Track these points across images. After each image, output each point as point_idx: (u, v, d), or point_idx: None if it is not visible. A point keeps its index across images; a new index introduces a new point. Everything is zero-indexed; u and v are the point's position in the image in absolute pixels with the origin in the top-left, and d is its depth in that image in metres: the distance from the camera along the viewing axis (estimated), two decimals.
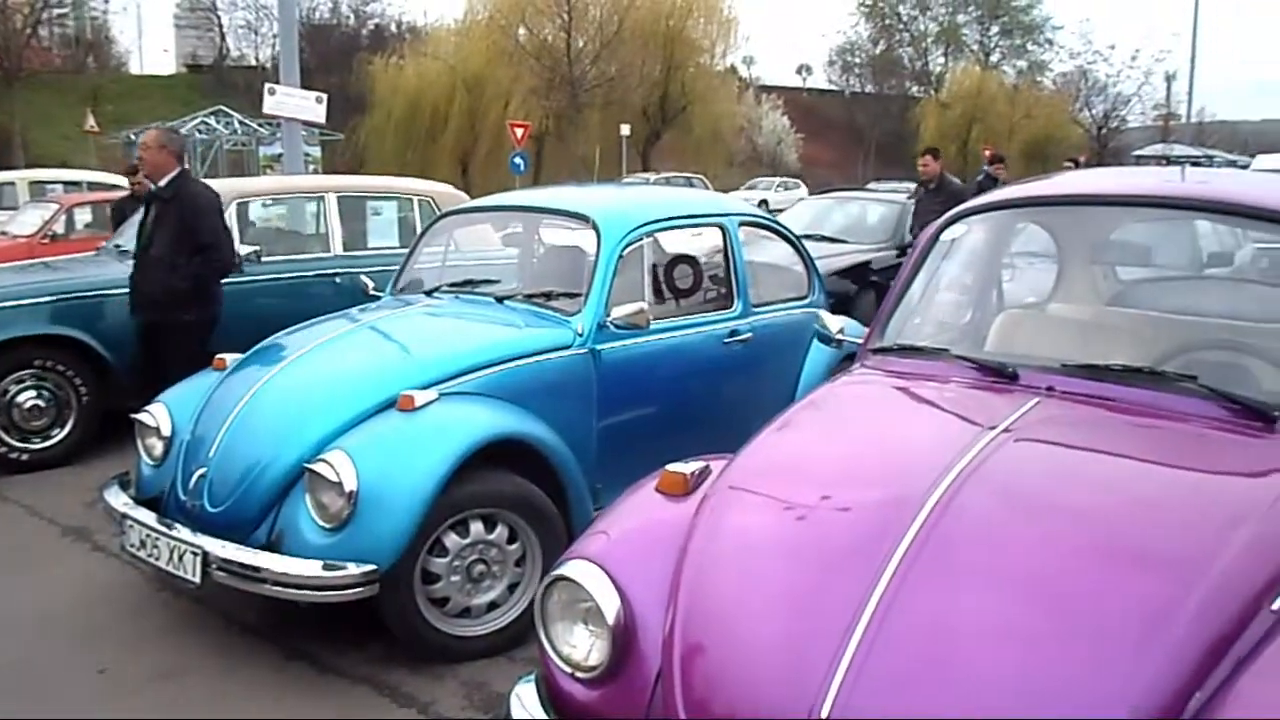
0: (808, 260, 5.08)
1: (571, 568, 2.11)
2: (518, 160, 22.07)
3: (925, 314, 3.00)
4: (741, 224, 4.72)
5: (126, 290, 5.19)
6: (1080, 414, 2.29)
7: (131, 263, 5.20)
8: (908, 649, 1.65)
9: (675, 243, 4.58)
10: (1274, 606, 1.70)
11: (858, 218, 10.36)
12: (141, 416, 3.86)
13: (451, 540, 3.31)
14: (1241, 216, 2.73)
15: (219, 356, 4.06)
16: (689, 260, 5.00)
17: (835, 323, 3.18)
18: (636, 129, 36.21)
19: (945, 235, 3.06)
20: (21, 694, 3.23)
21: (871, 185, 22.94)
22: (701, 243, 4.69)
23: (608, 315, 3.89)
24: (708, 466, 2.37)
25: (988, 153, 14.40)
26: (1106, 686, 1.55)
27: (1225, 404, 2.27)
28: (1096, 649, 1.61)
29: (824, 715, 1.61)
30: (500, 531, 3.40)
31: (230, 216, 6.16)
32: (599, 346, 3.88)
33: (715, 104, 42.91)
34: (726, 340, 4.44)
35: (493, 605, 3.40)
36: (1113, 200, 3.03)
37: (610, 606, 2.03)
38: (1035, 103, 52.62)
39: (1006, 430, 2.16)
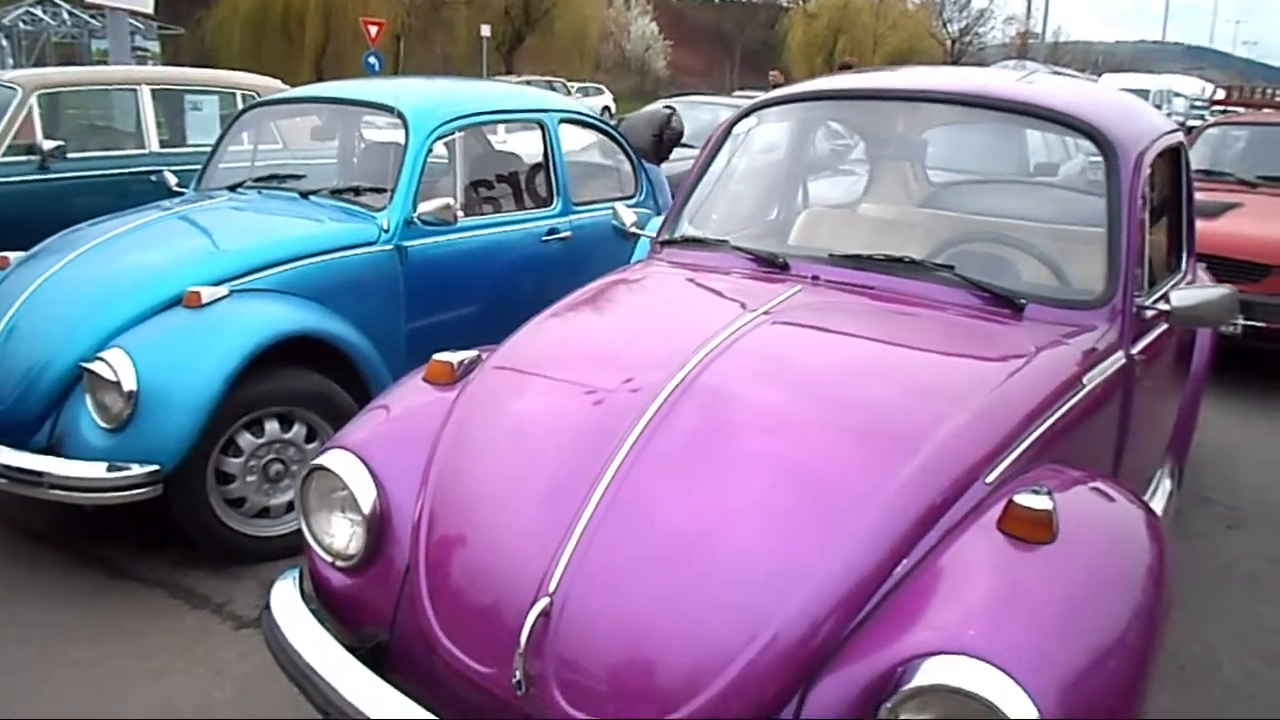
0: (634, 160, 5.06)
1: (329, 457, 2.09)
2: (371, 60, 21.18)
3: (715, 207, 3.03)
4: (562, 121, 4.65)
5: None
6: (837, 300, 2.37)
7: None
8: (627, 536, 1.68)
9: (492, 139, 4.49)
10: (988, 479, 1.80)
11: (709, 124, 10.38)
12: None
13: (246, 440, 3.24)
14: (1023, 115, 2.80)
15: (2, 255, 3.82)
16: (506, 157, 4.94)
17: (629, 216, 3.17)
18: (498, 30, 35.21)
19: (738, 129, 3.08)
20: None
21: (736, 93, 22.99)
22: (520, 140, 4.61)
23: (415, 211, 3.80)
24: (479, 355, 2.36)
25: (841, 62, 14.63)
26: (813, 555, 1.62)
27: (979, 293, 2.38)
28: (807, 521, 1.67)
29: (544, 607, 1.63)
30: (298, 430, 3.35)
31: (33, 109, 5.81)
32: (405, 243, 3.80)
33: (582, 7, 41.99)
34: (545, 239, 4.41)
35: (292, 506, 3.35)
36: (898, 95, 3.09)
37: (366, 496, 2.02)
38: (899, 16, 53.34)
39: (765, 314, 2.22)
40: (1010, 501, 1.65)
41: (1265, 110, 11.64)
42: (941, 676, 1.42)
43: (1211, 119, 9.75)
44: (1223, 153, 7.30)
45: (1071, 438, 2.07)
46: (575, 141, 5.24)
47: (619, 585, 1.64)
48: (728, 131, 3.08)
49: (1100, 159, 2.52)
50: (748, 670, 1.53)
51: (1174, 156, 3.16)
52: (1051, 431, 1.99)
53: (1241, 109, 12.92)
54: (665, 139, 5.45)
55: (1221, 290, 2.36)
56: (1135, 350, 2.42)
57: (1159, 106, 19.95)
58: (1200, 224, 5.81)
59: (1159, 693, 2.68)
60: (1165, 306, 2.37)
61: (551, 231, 4.44)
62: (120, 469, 2.98)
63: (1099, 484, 1.91)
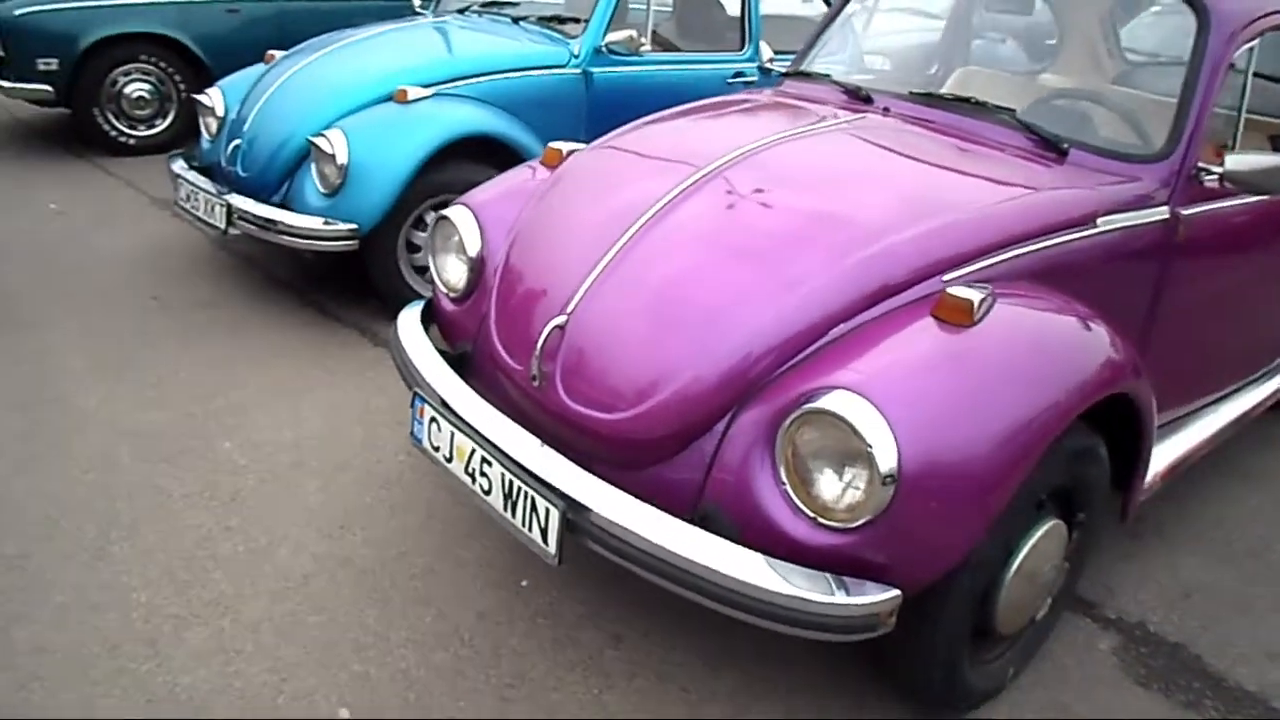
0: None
1: (451, 210, 2.64)
2: None
3: (837, 48, 3.28)
4: None
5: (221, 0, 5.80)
6: (893, 126, 2.63)
7: None
8: (629, 278, 2.11)
9: None
10: (946, 278, 2.08)
11: None
12: (200, 98, 4.49)
13: (432, 217, 3.88)
14: None
15: (269, 52, 4.61)
16: (711, 3, 5.26)
17: (766, 51, 3.49)
18: None
19: None
20: (99, 310, 4.03)
21: None
22: None
23: (604, 41, 4.25)
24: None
25: None
26: (761, 310, 1.99)
27: (1031, 136, 2.57)
28: (764, 284, 2.02)
29: (570, 310, 2.12)
30: None
31: None
32: (593, 69, 4.27)
33: None
34: (730, 80, 4.75)
35: None
36: None
37: (473, 242, 2.56)
38: None
39: (819, 128, 2.54)
40: (944, 290, 1.95)
41: None
42: (823, 404, 1.78)
43: None
44: None
45: (1072, 270, 2.27)
46: None
47: (615, 313, 2.09)
48: None
49: (1195, 24, 2.60)
50: (691, 386, 1.95)
51: None
52: (1038, 255, 2.20)
53: None
54: None
55: (1277, 159, 2.43)
56: (1188, 212, 2.53)
57: None
58: None
59: (1190, 556, 2.90)
60: (1218, 170, 2.47)
61: (738, 74, 4.77)
62: (331, 224, 3.71)
63: (1064, 306, 2.13)
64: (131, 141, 6.34)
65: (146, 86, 6.31)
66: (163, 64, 6.32)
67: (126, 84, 6.25)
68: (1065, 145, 2.52)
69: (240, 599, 2.44)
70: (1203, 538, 3.06)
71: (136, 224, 5.08)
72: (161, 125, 6.44)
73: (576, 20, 4.41)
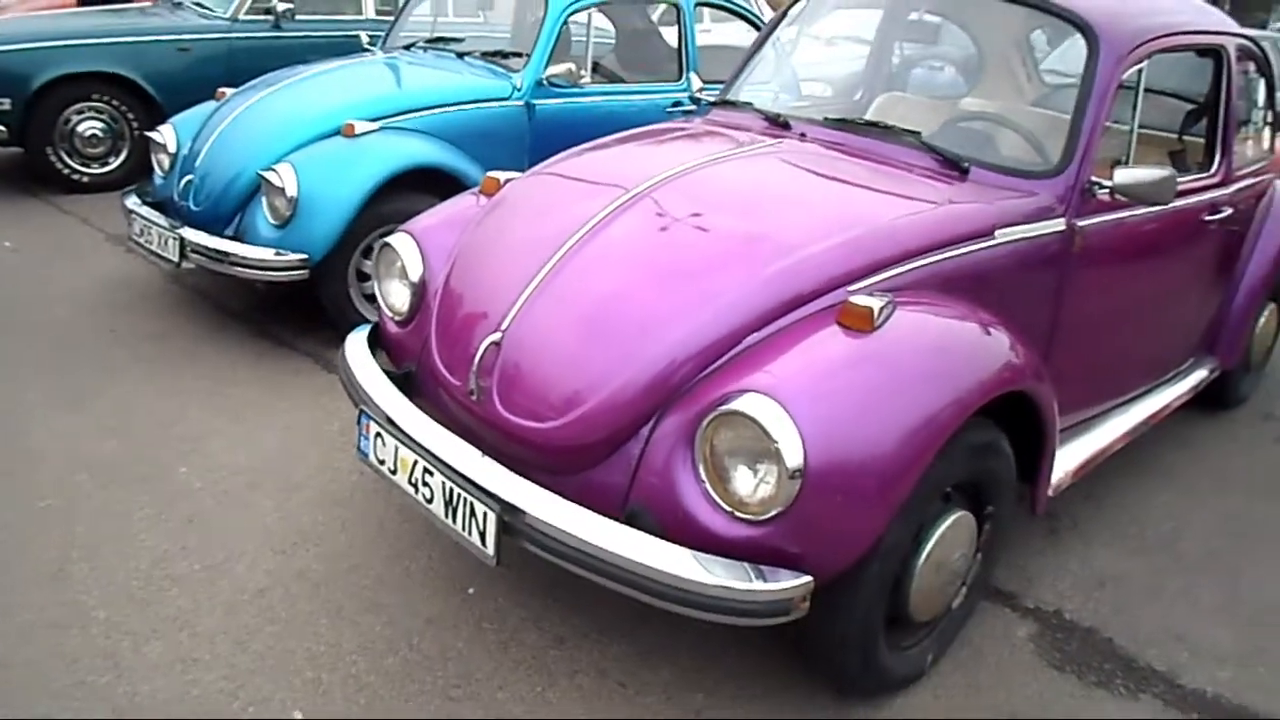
0: None
1: (394, 237, 2.78)
2: None
3: (762, 76, 3.47)
4: (698, 4, 5.12)
5: (173, 38, 5.91)
6: (809, 150, 2.81)
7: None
8: (561, 295, 2.26)
9: (628, 16, 5.02)
10: (851, 289, 2.24)
11: None
12: (153, 135, 4.60)
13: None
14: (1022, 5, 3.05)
15: (221, 89, 4.73)
16: (649, 35, 5.46)
17: (696, 82, 3.67)
18: None
19: (792, 11, 3.50)
20: (55, 344, 4.10)
21: None
22: (656, 18, 5.11)
23: (545, 74, 4.42)
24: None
25: None
26: (682, 322, 2.14)
27: (935, 156, 2.76)
28: (685, 298, 2.17)
29: (504, 327, 2.26)
30: None
31: None
32: (535, 101, 4.44)
33: None
34: (670, 110, 4.93)
35: None
36: None
37: (415, 267, 2.70)
38: None
39: (737, 154, 2.71)
40: (847, 299, 2.12)
41: None
42: (736, 405, 1.93)
43: None
44: None
45: (974, 279, 2.45)
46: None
47: (546, 329, 2.24)
48: (783, 14, 3.50)
49: (1085, 48, 2.80)
50: (617, 395, 2.09)
51: (1217, 60, 3.34)
52: (940, 266, 2.38)
53: None
54: None
55: (1161, 172, 2.63)
56: (1084, 223, 2.72)
57: None
58: None
59: (1105, 549, 3.08)
60: (1108, 184, 2.67)
61: (676, 104, 4.95)
62: (282, 255, 3.83)
63: (966, 313, 2.31)
64: (85, 179, 6.41)
65: (99, 125, 6.39)
66: (115, 102, 6.40)
67: (79, 122, 6.32)
68: (966, 164, 2.71)
69: (197, 614, 2.54)
70: (1117, 531, 3.24)
71: (91, 260, 5.16)
72: (115, 163, 6.51)
73: (519, 55, 4.58)
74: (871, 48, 3.87)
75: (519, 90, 4.42)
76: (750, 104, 3.22)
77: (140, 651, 2.40)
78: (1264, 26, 14.13)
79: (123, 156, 6.52)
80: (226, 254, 3.90)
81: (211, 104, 4.64)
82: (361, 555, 2.81)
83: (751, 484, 1.94)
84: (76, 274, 4.92)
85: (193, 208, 4.13)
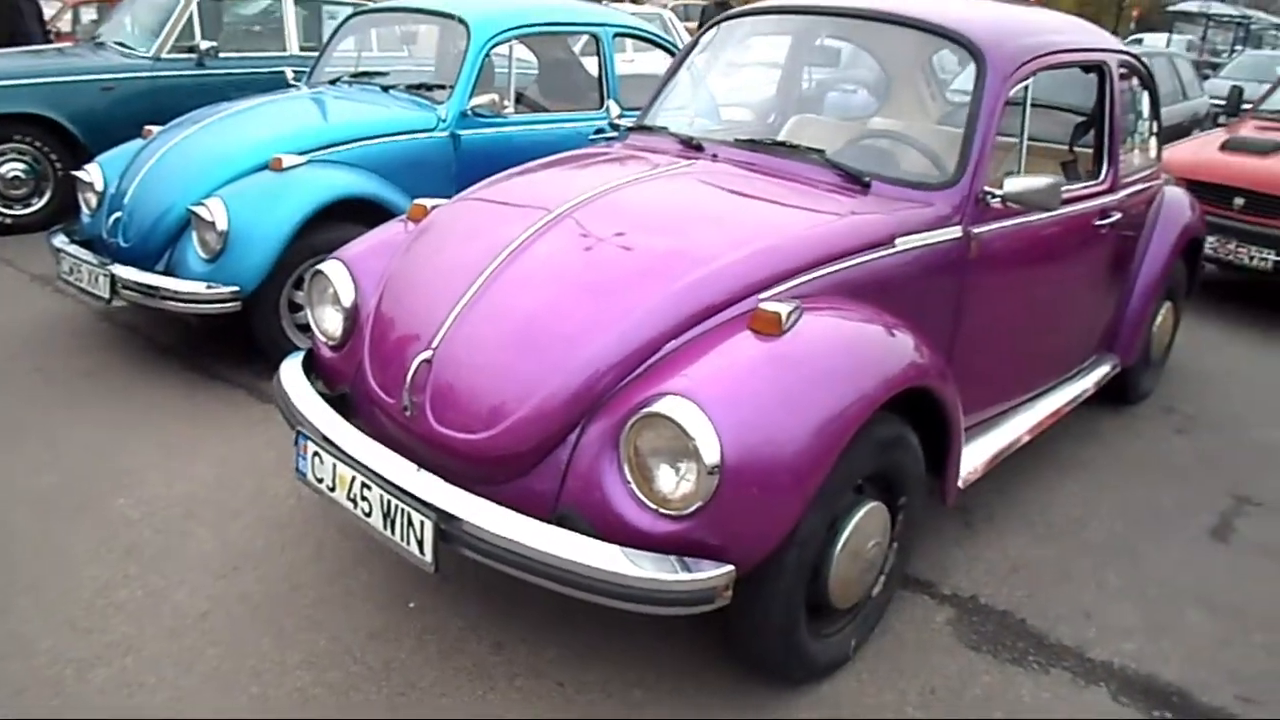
0: None
1: (326, 264, 2.87)
2: None
3: (677, 101, 3.63)
4: (617, 34, 5.28)
5: (96, 78, 5.92)
6: (719, 170, 2.97)
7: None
8: (487, 313, 2.36)
9: (550, 47, 5.17)
10: (762, 296, 2.38)
11: None
12: (79, 174, 4.61)
13: None
14: (913, 29, 3.25)
15: (147, 127, 4.77)
16: (569, 65, 5.62)
17: (615, 110, 3.82)
18: None
19: (704, 39, 3.67)
20: None
21: None
22: (577, 49, 5.27)
23: (469, 105, 4.54)
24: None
25: None
26: (601, 334, 2.25)
27: (838, 172, 2.93)
28: (604, 310, 2.29)
29: (435, 345, 2.37)
30: None
31: (194, 14, 6.78)
32: (460, 132, 4.55)
33: None
34: (593, 137, 5.06)
35: None
36: (807, 9, 3.58)
37: (346, 293, 2.79)
38: None
39: (652, 175, 2.86)
40: (757, 306, 2.26)
41: None
42: (656, 408, 2.05)
43: None
44: None
45: (877, 285, 2.61)
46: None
47: (475, 344, 2.34)
48: (695, 41, 3.67)
49: (974, 68, 3.00)
50: (544, 404, 2.20)
51: (1100, 76, 3.57)
52: (846, 274, 2.53)
53: None
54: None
55: (1047, 180, 2.82)
56: (979, 230, 2.91)
57: None
58: (1251, 160, 6.01)
59: (1017, 537, 3.25)
60: (999, 193, 2.86)
61: (599, 131, 5.09)
62: (213, 288, 3.88)
63: (870, 316, 2.46)
64: (8, 220, 6.36)
65: (21, 166, 6.36)
66: (38, 143, 6.38)
67: (1, 164, 6.28)
68: (867, 179, 2.89)
69: (140, 639, 2.58)
70: (1028, 520, 3.43)
71: (16, 301, 5.13)
72: (38, 204, 6.47)
73: (443, 87, 4.69)
74: (782, 72, 4.07)
75: (444, 121, 4.53)
76: (665, 128, 3.37)
77: (85, 678, 2.43)
78: None
79: (46, 197, 6.49)
80: (158, 289, 3.93)
81: (138, 142, 4.67)
82: (302, 575, 2.87)
83: (673, 481, 2.06)
84: (2, 315, 4.90)
85: (122, 244, 4.16)
